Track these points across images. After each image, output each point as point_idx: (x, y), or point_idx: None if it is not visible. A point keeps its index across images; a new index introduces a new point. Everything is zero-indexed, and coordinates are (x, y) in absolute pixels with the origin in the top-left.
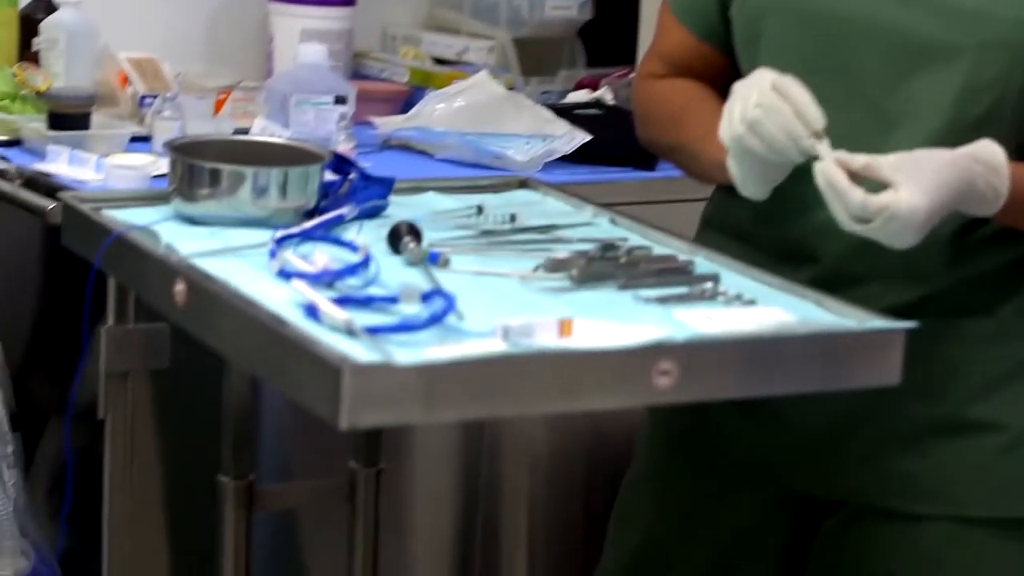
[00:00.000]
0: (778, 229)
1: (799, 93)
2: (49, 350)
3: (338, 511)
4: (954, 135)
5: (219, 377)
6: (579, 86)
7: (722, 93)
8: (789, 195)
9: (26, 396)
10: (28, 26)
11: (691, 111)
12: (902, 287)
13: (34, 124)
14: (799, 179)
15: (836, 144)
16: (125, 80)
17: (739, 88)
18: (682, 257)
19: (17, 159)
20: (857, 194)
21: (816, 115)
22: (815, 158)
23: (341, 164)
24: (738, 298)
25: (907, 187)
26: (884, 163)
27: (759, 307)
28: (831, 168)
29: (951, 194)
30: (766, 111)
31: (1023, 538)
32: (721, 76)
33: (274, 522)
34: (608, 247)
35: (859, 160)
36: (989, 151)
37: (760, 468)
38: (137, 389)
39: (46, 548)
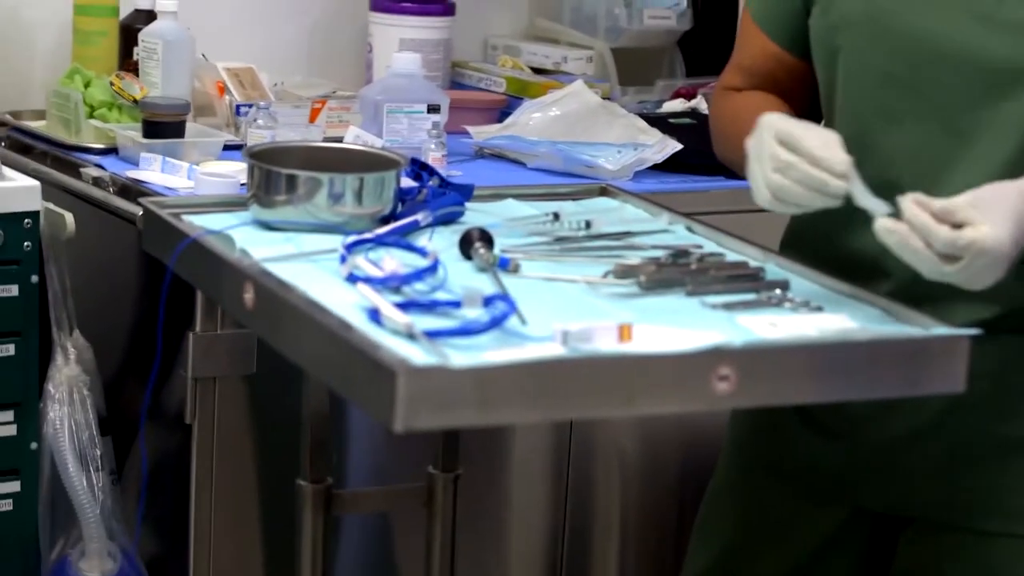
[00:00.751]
0: (852, 247)
1: (810, 140)
2: (141, 356)
3: (421, 515)
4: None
5: (299, 382)
6: (676, 95)
7: (804, 102)
8: (861, 213)
9: (119, 402)
10: (128, 36)
11: None
12: (977, 305)
13: (129, 132)
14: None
15: (908, 162)
16: (223, 89)
17: (752, 150)
18: (753, 264)
19: (112, 167)
20: (944, 231)
21: (835, 158)
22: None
23: (420, 171)
24: (805, 304)
25: (988, 222)
26: (959, 203)
27: (825, 314)
28: (912, 208)
29: None
30: (783, 173)
31: None
32: (803, 85)
33: (361, 524)
34: (680, 254)
35: (937, 203)
36: None
37: (834, 483)
38: (224, 394)
39: (134, 551)
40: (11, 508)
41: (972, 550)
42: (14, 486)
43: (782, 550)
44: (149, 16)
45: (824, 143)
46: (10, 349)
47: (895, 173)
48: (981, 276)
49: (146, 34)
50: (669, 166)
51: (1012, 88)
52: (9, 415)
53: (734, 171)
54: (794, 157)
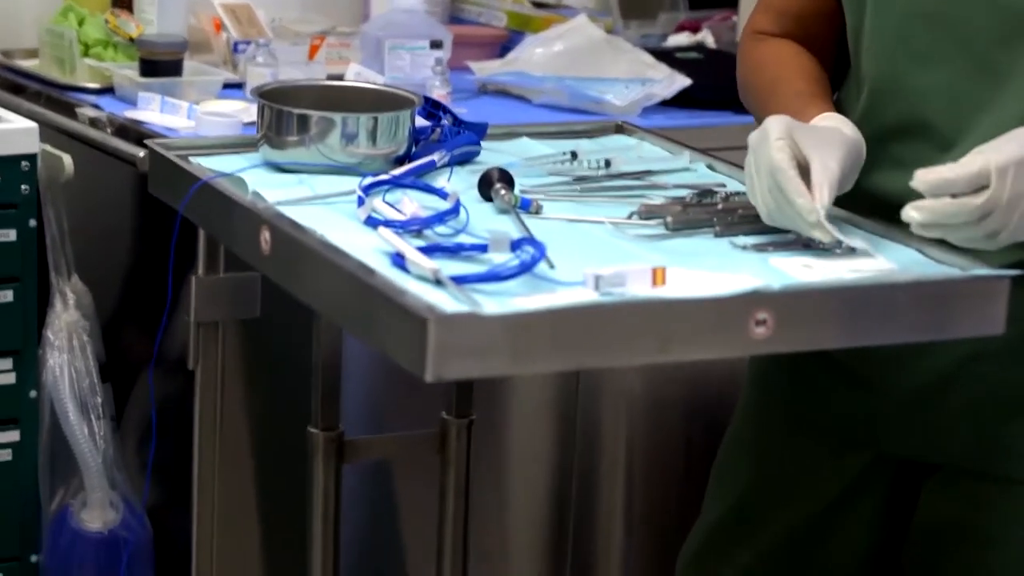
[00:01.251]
0: (876, 191)
1: (790, 184)
2: (141, 300)
3: (430, 461)
4: None
5: (310, 327)
6: (680, 29)
7: (831, 48)
8: (882, 158)
9: (118, 347)
10: None
11: (778, 90)
12: (1008, 248)
13: (126, 71)
14: (890, 143)
15: (939, 103)
16: (219, 26)
17: (752, 156)
18: None
19: (109, 107)
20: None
21: (806, 207)
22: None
23: (433, 110)
24: (838, 245)
25: (991, 148)
26: (964, 162)
27: (859, 255)
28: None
29: None
30: (772, 210)
31: None
32: (831, 28)
33: (366, 471)
34: (705, 193)
35: (947, 173)
36: None
37: (858, 430)
38: (227, 339)
39: (135, 500)
40: (10, 458)
41: (999, 498)
42: (13, 435)
43: (803, 496)
44: None
45: (798, 191)
46: (8, 295)
47: (927, 114)
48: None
49: None
50: (677, 101)
51: None
52: (8, 363)
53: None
54: (783, 202)
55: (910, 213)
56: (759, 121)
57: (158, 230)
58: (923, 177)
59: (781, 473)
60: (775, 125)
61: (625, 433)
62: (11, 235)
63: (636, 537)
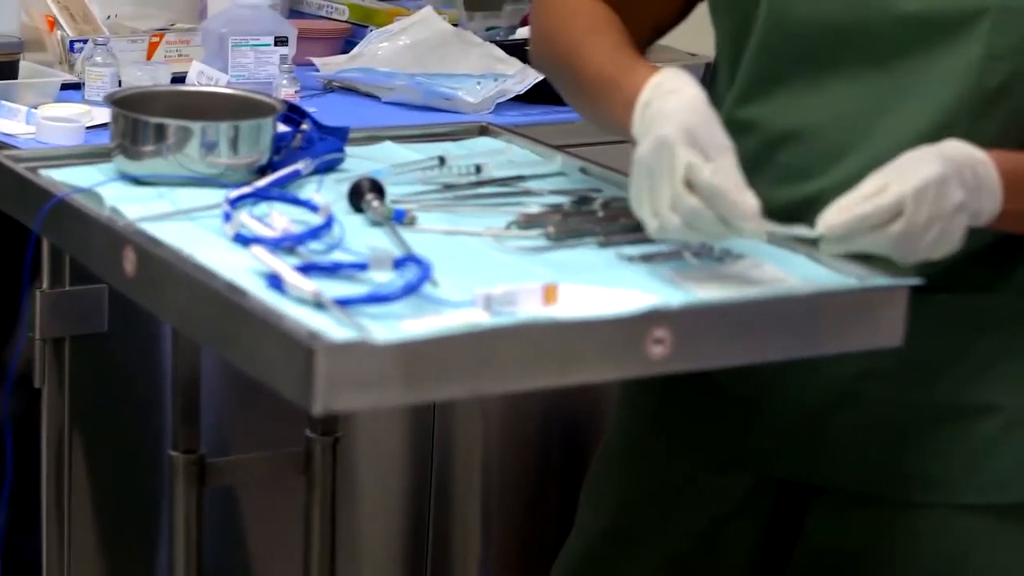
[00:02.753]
0: (770, 199)
1: (721, 181)
2: None
3: (288, 481)
4: (968, 108)
5: (161, 341)
6: (525, 22)
7: (649, 17)
8: (767, 166)
9: None
10: None
11: (595, 42)
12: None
13: None
14: (776, 150)
15: (834, 108)
16: (53, 24)
17: (645, 164)
18: None
19: None
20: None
21: (746, 205)
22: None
23: (292, 114)
24: (728, 253)
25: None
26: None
27: (750, 262)
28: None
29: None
30: (687, 219)
31: (1016, 523)
32: (652, 14)
33: (222, 494)
34: (583, 200)
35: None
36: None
37: (739, 451)
38: (75, 355)
39: None
40: None
41: (893, 523)
42: None
43: (680, 519)
44: None
45: (737, 185)
46: None
47: (818, 122)
48: (942, 226)
49: None
50: (530, 97)
51: (954, 29)
52: None
53: (546, 75)
54: (701, 206)
55: (831, 227)
56: (552, 76)
57: None
58: (832, 221)
59: (657, 495)
60: (675, 134)
61: (481, 445)
62: None
63: (494, 550)
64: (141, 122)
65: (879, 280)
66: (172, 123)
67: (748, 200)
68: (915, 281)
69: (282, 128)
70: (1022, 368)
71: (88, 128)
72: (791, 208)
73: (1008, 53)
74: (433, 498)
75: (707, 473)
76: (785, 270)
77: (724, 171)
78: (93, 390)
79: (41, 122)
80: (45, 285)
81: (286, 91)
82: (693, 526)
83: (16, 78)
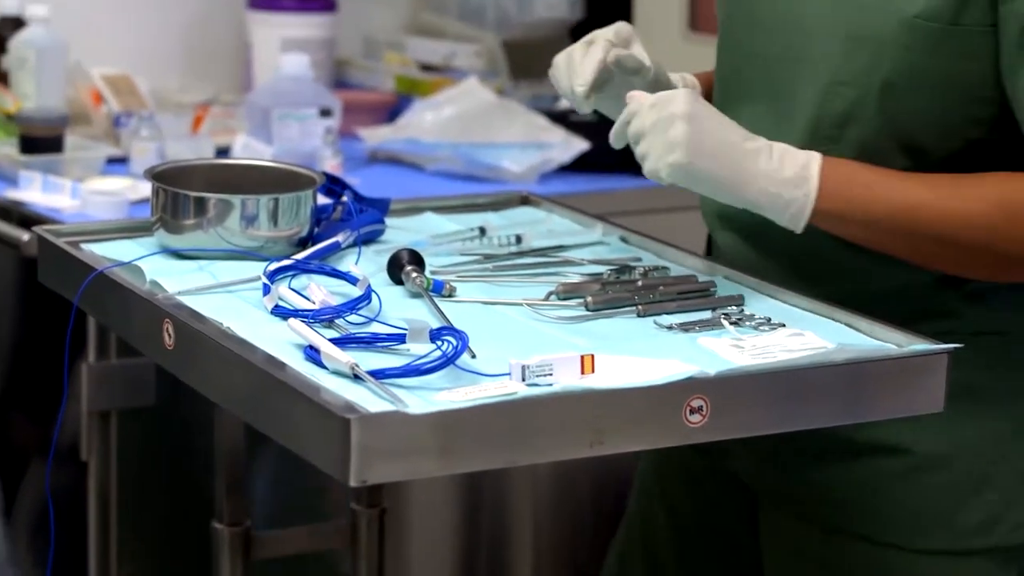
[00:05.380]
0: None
1: (587, 60)
2: (29, 388)
3: (338, 553)
4: (822, 133)
5: (209, 414)
6: None
7: None
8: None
9: (6, 436)
10: None
11: None
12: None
13: (5, 149)
14: None
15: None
16: (99, 98)
17: None
18: (702, 278)
19: None
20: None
21: (578, 78)
22: None
23: (333, 186)
24: (767, 322)
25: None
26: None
27: (790, 331)
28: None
29: None
30: (560, 60)
31: (931, 564)
32: None
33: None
34: (623, 269)
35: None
36: None
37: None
38: (122, 428)
39: None
40: None
41: (820, 545)
42: None
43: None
44: (16, 23)
45: (589, 69)
46: None
47: None
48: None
49: (17, 42)
50: (576, 166)
51: (814, 55)
52: None
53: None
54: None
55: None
56: None
57: (44, 315)
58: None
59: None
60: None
61: (531, 508)
62: None
63: None
64: (181, 196)
65: (919, 346)
66: (212, 196)
67: (583, 77)
68: (954, 346)
69: (323, 200)
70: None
71: (134, 202)
72: (724, 215)
73: (852, 79)
74: (485, 566)
75: (720, 495)
76: (825, 338)
77: (592, 55)
78: (139, 463)
79: (86, 196)
80: (92, 358)
81: (330, 162)
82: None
83: (62, 152)
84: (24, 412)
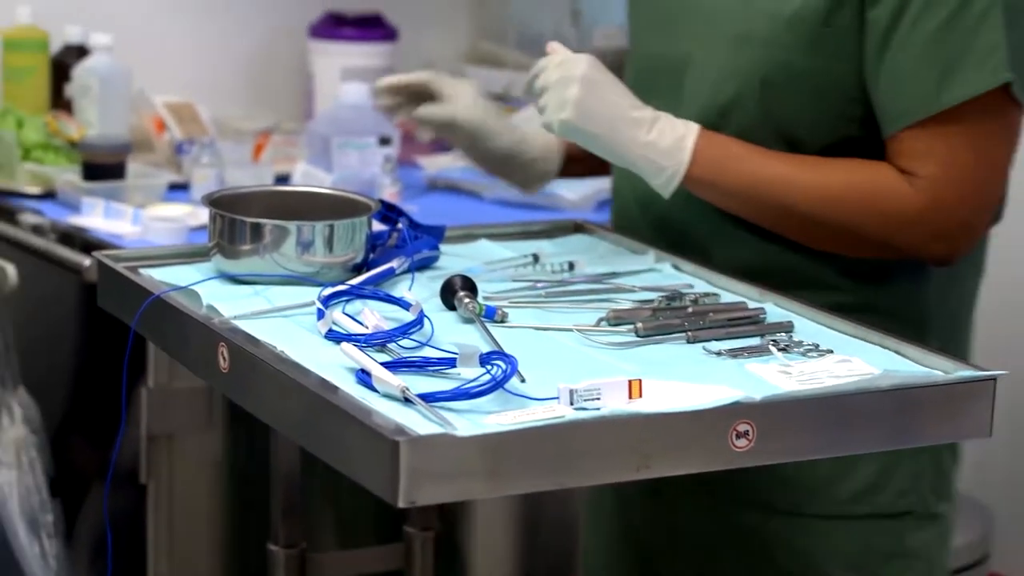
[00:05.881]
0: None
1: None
2: (89, 412)
3: None
4: (706, 120)
5: (266, 438)
6: None
7: None
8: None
9: (66, 460)
10: (60, 72)
11: None
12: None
13: (68, 175)
14: None
15: None
16: (161, 126)
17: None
18: (752, 305)
19: (51, 213)
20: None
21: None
22: None
23: (389, 213)
24: (815, 348)
25: None
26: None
27: (838, 357)
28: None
29: None
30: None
31: (820, 528)
32: None
33: None
34: (673, 296)
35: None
36: None
37: None
38: (181, 451)
39: None
40: None
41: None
42: None
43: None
44: (80, 51)
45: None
46: None
47: None
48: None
49: (81, 70)
50: None
51: (708, 50)
52: None
53: None
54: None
55: None
56: None
57: (105, 339)
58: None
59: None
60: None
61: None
62: None
63: None
64: (238, 222)
65: (965, 373)
66: (268, 223)
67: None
68: (1000, 372)
69: (379, 227)
70: None
71: (194, 228)
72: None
73: (735, 75)
74: None
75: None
76: (873, 364)
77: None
78: (198, 485)
79: (147, 222)
80: (151, 382)
81: (389, 190)
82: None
83: (124, 179)
84: (85, 436)
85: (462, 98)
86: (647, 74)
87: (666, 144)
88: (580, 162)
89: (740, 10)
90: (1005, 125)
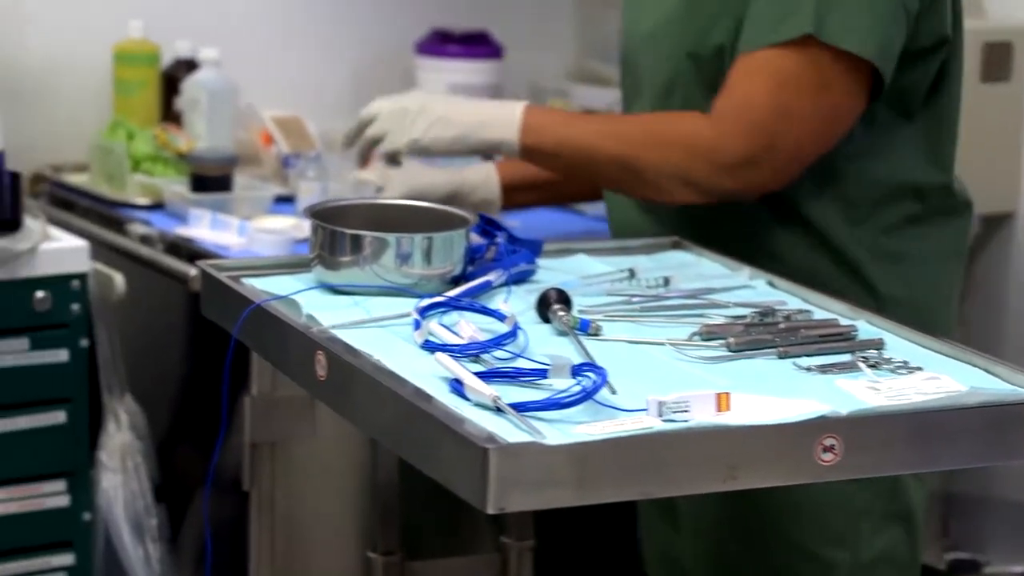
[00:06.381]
0: None
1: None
2: (195, 419)
3: None
4: (653, 103)
5: (366, 447)
6: None
7: None
8: None
9: (171, 467)
10: (170, 86)
11: None
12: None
13: (176, 187)
14: None
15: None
16: (269, 139)
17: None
18: (844, 322)
19: (160, 223)
20: None
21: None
22: None
23: (488, 227)
24: (904, 365)
25: None
26: None
27: (927, 374)
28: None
29: None
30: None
31: None
32: None
33: None
34: (766, 312)
35: None
36: None
37: None
38: (283, 459)
39: None
40: None
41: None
42: (67, 559)
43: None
44: (190, 65)
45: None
46: (60, 416)
47: None
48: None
49: (190, 84)
50: None
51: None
52: (61, 485)
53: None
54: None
55: None
56: None
57: (211, 348)
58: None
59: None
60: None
61: None
62: (63, 355)
63: None
64: (339, 233)
65: None
66: (368, 235)
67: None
68: None
69: (477, 240)
70: None
71: (298, 240)
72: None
73: (670, 55)
74: None
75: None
76: (961, 382)
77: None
78: (300, 493)
79: (253, 234)
80: (254, 390)
81: None
82: None
83: (231, 191)
84: (190, 443)
85: (391, 184)
86: (629, 80)
87: (500, 124)
88: (523, 191)
89: (688, 24)
90: (814, 78)
